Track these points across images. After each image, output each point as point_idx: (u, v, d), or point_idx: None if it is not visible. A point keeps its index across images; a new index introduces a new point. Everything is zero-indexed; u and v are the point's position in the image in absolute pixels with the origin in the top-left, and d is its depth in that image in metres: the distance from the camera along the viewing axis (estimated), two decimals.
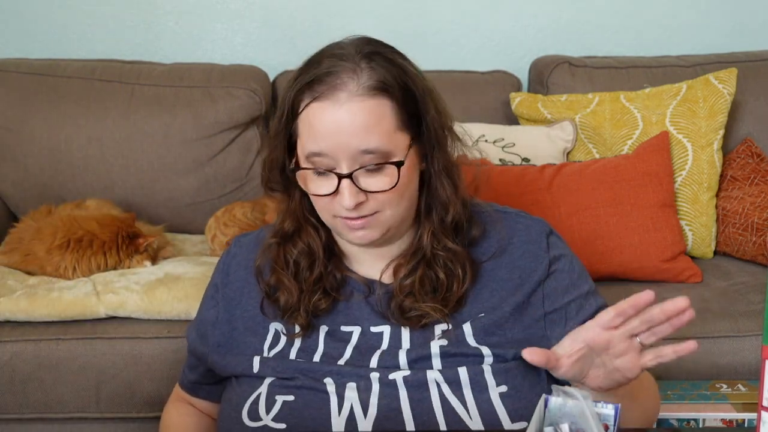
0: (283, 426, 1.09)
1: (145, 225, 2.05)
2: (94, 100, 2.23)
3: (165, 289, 1.78)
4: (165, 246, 2.03)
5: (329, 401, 1.09)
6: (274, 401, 1.11)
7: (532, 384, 1.12)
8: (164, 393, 1.71)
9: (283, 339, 1.17)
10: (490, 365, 1.10)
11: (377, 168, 1.07)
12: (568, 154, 2.18)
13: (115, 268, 1.90)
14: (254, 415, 1.12)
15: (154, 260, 1.94)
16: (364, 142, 1.05)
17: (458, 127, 1.21)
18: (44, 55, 2.41)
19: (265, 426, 1.10)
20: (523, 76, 2.46)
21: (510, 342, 1.13)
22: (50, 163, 2.21)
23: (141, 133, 2.21)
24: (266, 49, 2.50)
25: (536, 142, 2.16)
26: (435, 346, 1.12)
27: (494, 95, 2.35)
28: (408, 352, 1.12)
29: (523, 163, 2.12)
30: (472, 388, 1.08)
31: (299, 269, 1.18)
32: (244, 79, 2.27)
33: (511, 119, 2.30)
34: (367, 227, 1.11)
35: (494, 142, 2.16)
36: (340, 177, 1.06)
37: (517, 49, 2.55)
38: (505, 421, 1.07)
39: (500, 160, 2.12)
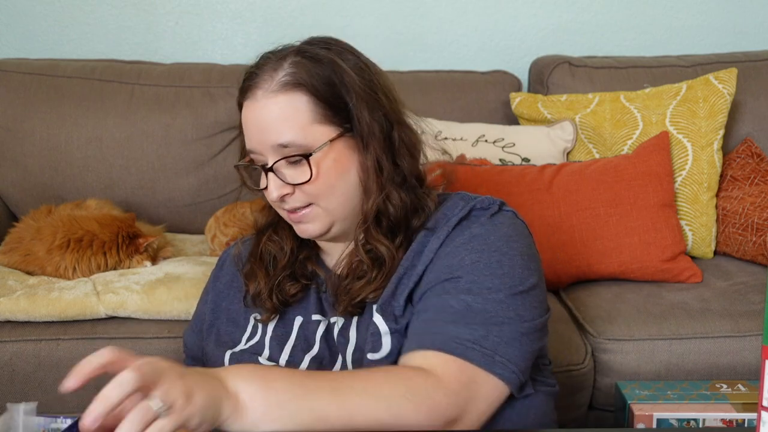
0: None
1: (145, 225, 2.05)
2: (94, 100, 2.23)
3: (165, 289, 1.78)
4: (165, 246, 2.03)
5: None
6: None
7: None
8: None
9: (260, 328, 1.20)
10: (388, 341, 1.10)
11: (297, 161, 1.10)
12: (568, 154, 2.18)
13: (115, 268, 1.90)
14: None
15: (154, 260, 1.94)
16: (279, 136, 1.10)
17: (422, 124, 1.22)
18: (44, 55, 2.41)
19: None
20: (523, 76, 2.46)
21: (399, 309, 1.11)
22: (50, 163, 2.21)
23: (141, 133, 2.22)
24: (266, 49, 2.50)
25: (536, 142, 2.16)
26: (386, 337, 1.10)
27: (494, 95, 2.35)
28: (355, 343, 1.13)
29: (523, 163, 2.12)
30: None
31: (271, 260, 1.22)
32: None
33: (511, 119, 2.30)
34: (305, 221, 1.15)
35: (494, 142, 2.16)
36: (265, 170, 1.12)
37: (517, 49, 2.55)
38: None
39: (500, 160, 2.12)
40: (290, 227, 1.21)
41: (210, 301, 1.28)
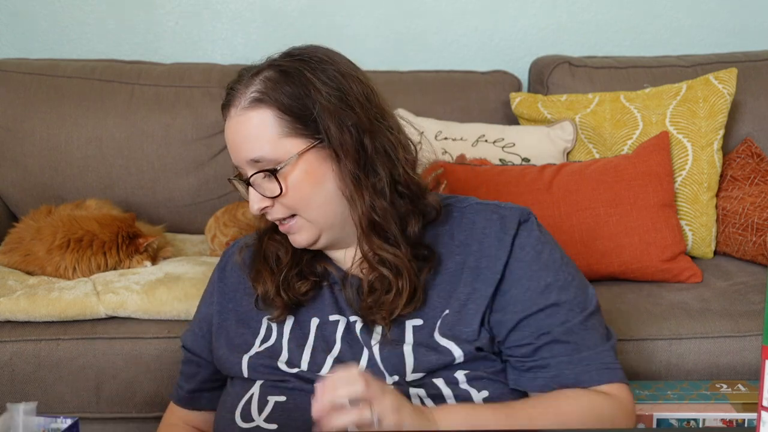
0: (274, 426, 1.11)
1: (145, 225, 2.05)
2: (94, 100, 2.23)
3: (165, 289, 1.78)
4: (165, 246, 2.03)
5: None
6: (266, 402, 1.13)
7: (503, 381, 1.16)
8: (164, 393, 1.72)
9: (275, 331, 1.19)
10: (463, 373, 1.12)
11: (269, 175, 1.13)
12: (568, 154, 2.18)
13: (115, 268, 1.90)
14: (247, 416, 1.14)
15: (154, 260, 1.94)
16: (250, 152, 1.13)
17: (409, 127, 1.23)
18: (44, 55, 2.41)
19: (257, 427, 1.12)
20: (523, 76, 2.46)
21: (473, 334, 1.14)
22: (50, 163, 2.21)
23: (141, 133, 2.22)
24: (266, 49, 2.48)
25: (536, 142, 2.16)
26: (408, 348, 1.13)
27: (494, 95, 2.35)
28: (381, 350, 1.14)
29: (523, 163, 2.12)
30: (456, 400, 1.11)
31: (275, 259, 1.23)
32: None
33: (511, 119, 2.30)
34: (292, 232, 1.17)
35: (494, 142, 2.16)
36: (246, 184, 1.16)
37: (517, 49, 2.55)
38: None
39: (500, 160, 2.12)
40: None
41: (216, 302, 1.27)
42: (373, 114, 1.15)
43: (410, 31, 2.53)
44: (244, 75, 1.16)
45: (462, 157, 2.11)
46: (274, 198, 1.13)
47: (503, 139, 2.16)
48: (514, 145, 2.15)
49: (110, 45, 2.48)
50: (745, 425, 1.42)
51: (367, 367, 1.13)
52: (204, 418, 1.32)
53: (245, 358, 1.18)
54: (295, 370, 1.15)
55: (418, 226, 1.17)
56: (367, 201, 1.13)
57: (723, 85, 2.15)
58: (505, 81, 2.39)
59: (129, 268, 1.90)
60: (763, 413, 0.87)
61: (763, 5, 2.57)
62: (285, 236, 1.21)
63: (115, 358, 1.73)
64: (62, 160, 2.21)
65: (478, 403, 1.10)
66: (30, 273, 1.92)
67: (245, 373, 1.17)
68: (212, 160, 2.24)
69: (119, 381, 1.74)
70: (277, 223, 1.18)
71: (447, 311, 1.14)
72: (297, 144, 1.12)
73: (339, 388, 0.92)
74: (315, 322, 1.18)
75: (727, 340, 1.73)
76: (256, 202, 1.14)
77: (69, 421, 0.89)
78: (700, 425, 1.42)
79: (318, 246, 1.18)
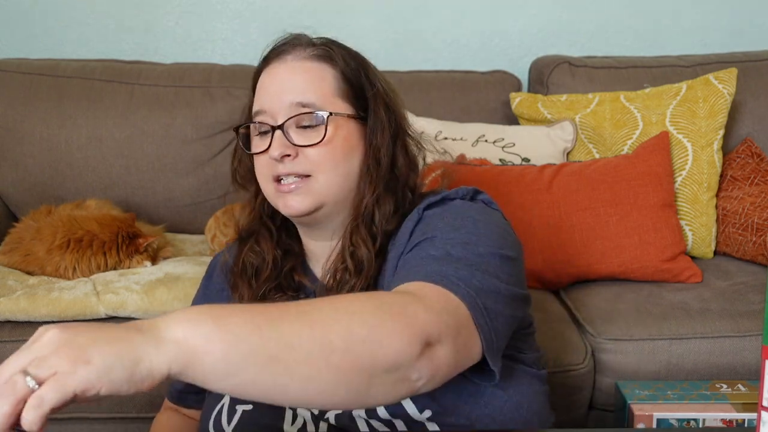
0: None
1: (145, 225, 2.05)
2: (94, 100, 2.23)
3: (165, 289, 1.78)
4: (165, 246, 2.03)
5: (284, 412, 1.09)
6: (235, 411, 1.12)
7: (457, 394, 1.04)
8: (164, 393, 1.71)
9: None
10: None
11: (310, 126, 1.11)
12: (568, 154, 2.18)
13: (115, 268, 1.90)
14: (218, 426, 1.13)
15: (154, 260, 1.94)
16: (302, 95, 1.11)
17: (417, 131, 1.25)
18: (44, 55, 2.41)
19: None
20: (523, 76, 2.46)
21: None
22: (50, 163, 2.21)
23: (141, 133, 2.22)
24: (266, 49, 2.51)
25: (536, 142, 2.16)
26: None
27: (494, 95, 2.35)
28: None
29: (523, 163, 2.12)
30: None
31: (254, 272, 1.20)
32: (244, 79, 2.26)
33: (511, 119, 2.30)
34: (296, 192, 1.11)
35: (494, 142, 2.16)
36: (273, 129, 1.11)
37: (517, 49, 2.55)
38: None
39: (500, 160, 2.12)
40: (271, 235, 1.20)
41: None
42: (405, 123, 1.21)
43: (410, 31, 2.53)
44: (303, 36, 1.17)
45: (462, 157, 2.11)
46: (305, 146, 1.10)
47: (503, 139, 2.16)
48: (514, 145, 2.15)
49: (110, 45, 2.48)
50: (745, 425, 1.42)
51: None
52: (194, 414, 1.33)
53: None
54: None
55: (394, 224, 1.14)
56: (376, 191, 1.14)
57: (723, 85, 2.15)
58: (505, 81, 2.39)
59: (129, 268, 1.90)
60: (763, 413, 0.87)
61: (763, 5, 2.57)
62: (266, 247, 1.19)
63: None
64: (62, 160, 2.21)
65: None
66: (30, 273, 1.92)
67: None
68: (212, 160, 2.24)
69: None
70: (277, 186, 1.13)
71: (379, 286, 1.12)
72: (345, 107, 1.14)
73: None
74: None
75: (727, 340, 1.73)
76: (280, 146, 1.10)
77: None
78: (700, 425, 1.42)
79: (310, 218, 1.14)
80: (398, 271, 1.02)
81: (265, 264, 1.20)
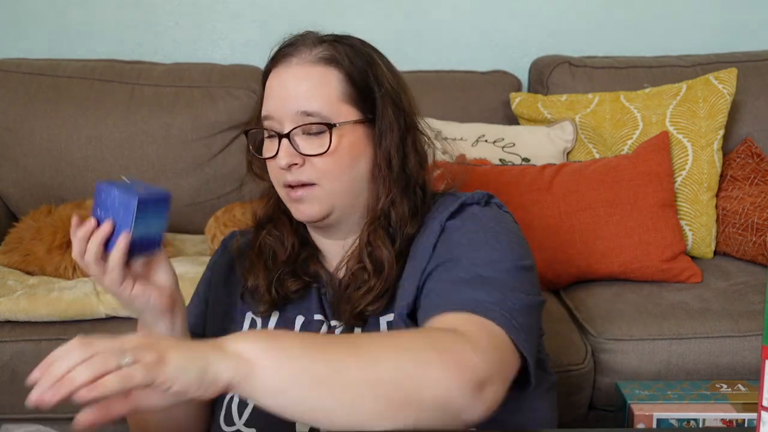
0: (253, 431, 1.10)
1: None
2: (94, 100, 2.23)
3: None
4: (165, 246, 2.03)
5: None
6: (246, 404, 1.12)
7: None
8: None
9: (259, 326, 1.18)
10: None
11: (316, 134, 1.10)
12: (568, 154, 2.18)
13: None
14: (229, 419, 1.13)
15: None
16: (306, 103, 1.10)
17: (434, 130, 1.25)
18: (44, 55, 2.41)
19: (238, 431, 1.11)
20: (523, 76, 2.46)
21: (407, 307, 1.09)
22: (50, 163, 2.21)
23: (141, 133, 2.22)
24: (266, 49, 2.49)
25: (536, 142, 2.16)
26: None
27: (494, 95, 2.35)
28: None
29: (523, 163, 2.12)
30: None
31: (271, 254, 1.20)
32: (244, 79, 2.27)
33: (511, 119, 2.30)
34: (305, 200, 1.12)
35: (494, 142, 2.16)
36: (280, 137, 1.11)
37: (517, 49, 2.55)
38: None
39: (500, 160, 2.12)
40: (291, 222, 1.20)
41: (210, 289, 1.27)
42: (414, 116, 1.19)
43: (410, 31, 2.53)
44: (309, 35, 1.16)
45: (462, 157, 2.11)
46: (310, 155, 1.10)
47: (503, 139, 2.16)
48: (514, 145, 2.15)
49: (110, 45, 2.48)
50: (745, 425, 1.42)
51: None
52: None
53: None
54: None
55: (415, 227, 1.15)
56: (391, 193, 1.13)
57: (723, 85, 2.15)
58: (505, 81, 2.39)
59: None
60: (763, 413, 0.87)
61: (763, 5, 2.57)
62: (284, 231, 1.20)
63: None
64: (62, 160, 2.21)
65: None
66: (30, 273, 1.92)
67: None
68: (212, 160, 2.24)
69: None
70: (288, 191, 1.14)
71: (398, 297, 1.11)
72: (352, 112, 1.12)
73: (53, 364, 0.79)
74: (300, 320, 1.17)
75: (727, 340, 1.73)
76: (287, 155, 1.10)
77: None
78: (700, 425, 1.42)
79: (323, 223, 1.16)
80: (429, 293, 1.04)
81: (283, 248, 1.20)
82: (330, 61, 1.12)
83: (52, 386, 0.78)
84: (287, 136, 1.10)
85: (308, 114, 1.10)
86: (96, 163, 2.21)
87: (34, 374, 0.79)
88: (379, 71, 1.15)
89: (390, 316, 1.12)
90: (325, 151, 1.10)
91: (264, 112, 1.14)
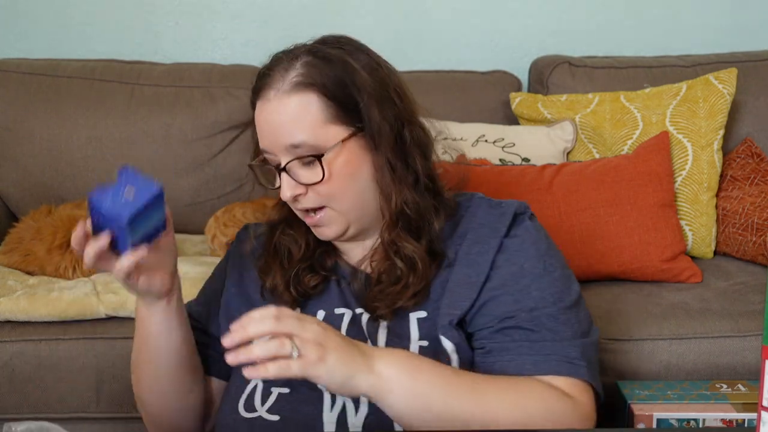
0: (276, 418, 1.11)
1: None
2: (94, 100, 2.23)
3: None
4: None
5: (323, 397, 1.10)
6: (270, 393, 1.13)
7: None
8: None
9: None
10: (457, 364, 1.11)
11: (310, 161, 1.11)
12: (568, 154, 2.18)
13: None
14: (250, 406, 1.14)
15: None
16: (291, 136, 1.10)
17: (437, 125, 1.25)
18: (44, 55, 2.41)
19: (259, 417, 1.12)
20: (523, 76, 2.46)
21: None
22: (50, 163, 2.21)
23: (141, 133, 2.22)
24: (266, 49, 2.49)
25: (536, 142, 2.16)
26: (414, 345, 1.12)
27: (494, 95, 2.35)
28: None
29: (523, 163, 2.12)
30: None
31: (286, 253, 1.21)
32: (244, 79, 2.27)
33: (511, 119, 2.30)
34: (321, 225, 1.15)
35: (494, 142, 2.16)
36: (278, 170, 1.13)
37: (517, 49, 2.55)
38: None
39: (500, 160, 2.12)
40: (304, 222, 1.21)
41: (226, 283, 1.26)
42: (408, 106, 1.18)
43: (410, 31, 2.53)
44: (282, 58, 1.14)
45: (462, 157, 2.11)
46: (310, 185, 1.12)
47: (503, 139, 2.16)
48: (514, 145, 2.15)
49: (110, 45, 2.48)
50: (745, 425, 1.42)
51: None
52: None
53: None
54: None
55: (442, 222, 1.17)
56: (401, 193, 1.14)
57: (723, 85, 2.15)
58: (505, 81, 2.39)
59: None
60: (763, 413, 0.87)
61: (763, 5, 2.57)
62: (298, 231, 1.21)
63: (115, 358, 1.73)
64: (62, 160, 2.21)
65: (429, 358, 1.08)
66: (30, 273, 1.92)
67: None
68: (212, 160, 2.24)
69: (119, 381, 1.74)
70: (303, 215, 1.16)
71: (445, 299, 1.13)
72: (339, 131, 1.11)
73: (248, 327, 0.93)
74: (321, 314, 1.18)
75: (727, 340, 1.73)
76: (290, 188, 1.11)
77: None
78: (700, 425, 1.42)
79: (344, 238, 1.18)
80: (516, 347, 1.10)
81: (297, 246, 1.21)
82: (305, 86, 1.10)
83: (236, 349, 0.92)
84: (285, 169, 1.12)
85: (296, 146, 1.10)
86: (96, 163, 2.21)
87: (233, 327, 0.93)
88: (357, 77, 1.12)
89: (421, 313, 1.14)
90: (321, 180, 1.11)
91: (261, 146, 1.15)
